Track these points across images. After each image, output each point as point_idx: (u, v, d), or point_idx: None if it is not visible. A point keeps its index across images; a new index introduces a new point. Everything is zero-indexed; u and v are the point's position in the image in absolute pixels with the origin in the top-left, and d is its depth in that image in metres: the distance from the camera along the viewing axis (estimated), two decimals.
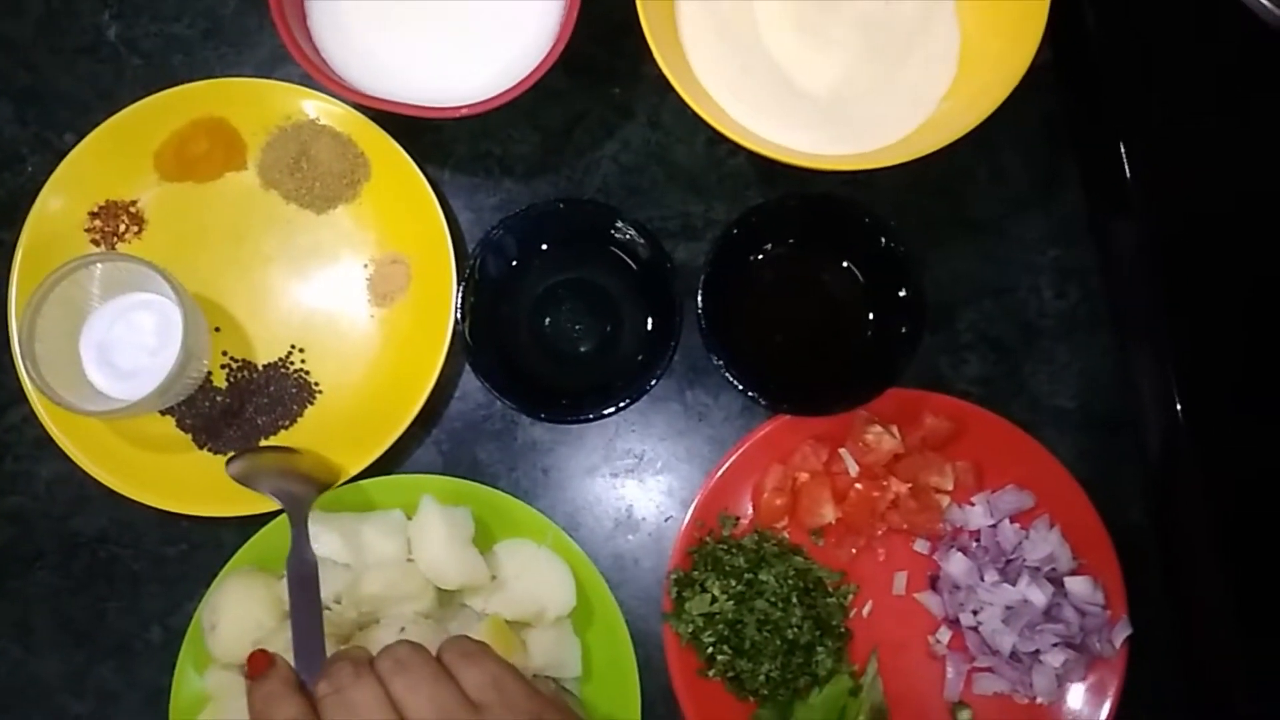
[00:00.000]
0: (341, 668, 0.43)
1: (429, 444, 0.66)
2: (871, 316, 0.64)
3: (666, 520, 0.65)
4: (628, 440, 0.66)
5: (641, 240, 0.61)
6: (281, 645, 0.56)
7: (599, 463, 0.66)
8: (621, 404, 0.60)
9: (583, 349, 0.65)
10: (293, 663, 0.48)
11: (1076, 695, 0.62)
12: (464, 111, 0.59)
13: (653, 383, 0.59)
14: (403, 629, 0.57)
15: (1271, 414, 0.54)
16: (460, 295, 0.60)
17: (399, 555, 0.60)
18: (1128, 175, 0.56)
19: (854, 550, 0.64)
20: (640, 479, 0.66)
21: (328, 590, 0.59)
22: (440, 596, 0.60)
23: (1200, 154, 0.59)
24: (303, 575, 0.53)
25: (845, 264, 0.64)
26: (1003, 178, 0.67)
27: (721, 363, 0.59)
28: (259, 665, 0.45)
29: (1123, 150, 0.57)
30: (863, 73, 0.63)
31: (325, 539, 0.60)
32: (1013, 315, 0.66)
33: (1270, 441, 0.54)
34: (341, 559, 0.60)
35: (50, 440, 0.62)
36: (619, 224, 0.61)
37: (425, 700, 0.42)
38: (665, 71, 0.58)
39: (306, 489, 0.59)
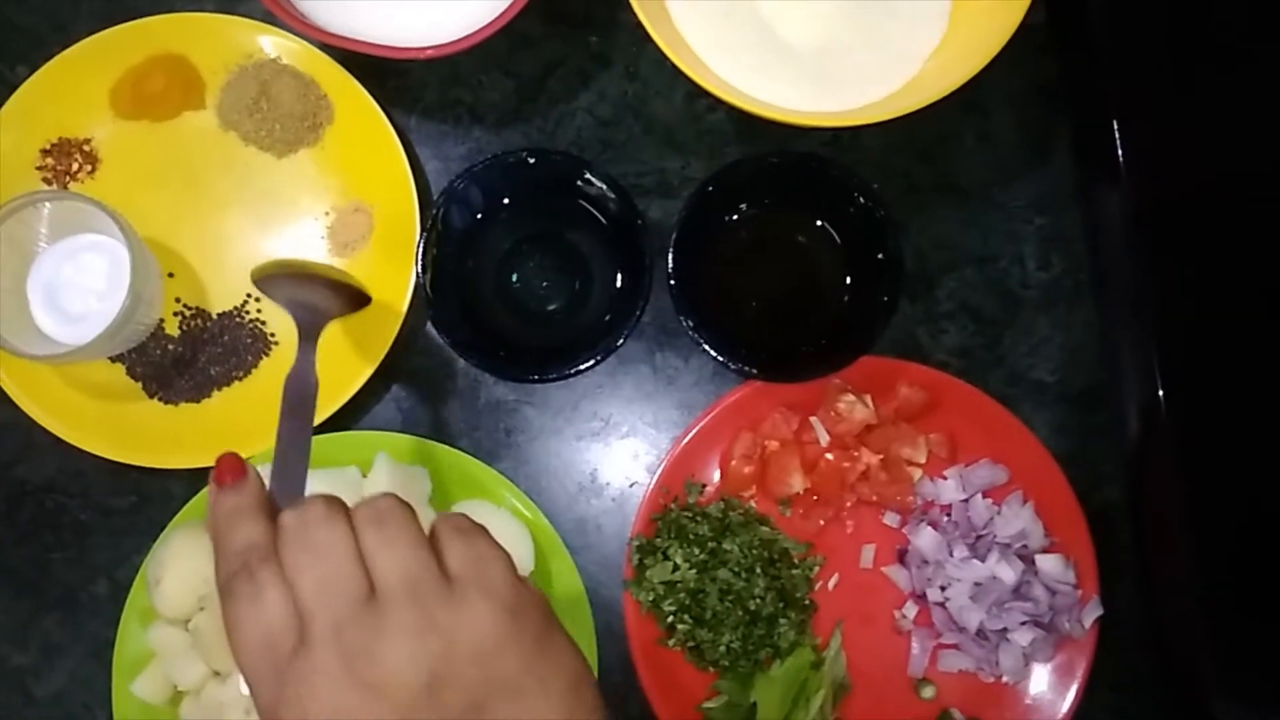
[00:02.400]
0: (314, 503, 0.38)
1: (389, 400, 0.64)
2: (849, 281, 0.62)
3: (631, 486, 0.63)
4: (594, 402, 0.64)
5: (612, 195, 0.59)
6: None
7: (564, 425, 0.64)
8: (587, 364, 0.58)
9: (550, 306, 0.62)
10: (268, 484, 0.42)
11: (1043, 675, 0.60)
12: (430, 53, 0.56)
13: (619, 343, 0.57)
14: None
15: (1251, 395, 0.52)
16: (422, 247, 0.58)
17: None
18: (1118, 144, 0.54)
19: (822, 522, 0.62)
20: (606, 442, 0.64)
21: None
22: None
23: (1194, 126, 0.57)
24: (302, 394, 0.48)
25: (823, 226, 0.62)
26: (990, 142, 0.65)
27: (691, 324, 0.57)
28: (229, 472, 0.40)
29: (1114, 119, 0.54)
30: (849, 25, 0.61)
31: None
32: (994, 285, 0.64)
33: (1247, 423, 0.52)
34: None
35: None
36: (588, 176, 0.58)
37: (396, 559, 0.37)
38: (643, 20, 0.55)
39: (327, 305, 0.55)
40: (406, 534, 0.38)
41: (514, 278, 0.62)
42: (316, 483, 0.58)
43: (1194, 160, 0.56)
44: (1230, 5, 0.57)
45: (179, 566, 0.57)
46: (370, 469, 0.59)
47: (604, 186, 0.59)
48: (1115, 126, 0.54)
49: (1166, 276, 0.54)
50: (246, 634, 0.36)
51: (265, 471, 0.43)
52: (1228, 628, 0.52)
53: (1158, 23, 0.58)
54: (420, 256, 0.58)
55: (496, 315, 0.62)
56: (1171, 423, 0.53)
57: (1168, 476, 0.54)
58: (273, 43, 0.62)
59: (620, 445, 0.64)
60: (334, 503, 0.39)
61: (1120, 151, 0.54)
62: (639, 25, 0.55)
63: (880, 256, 0.59)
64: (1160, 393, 0.53)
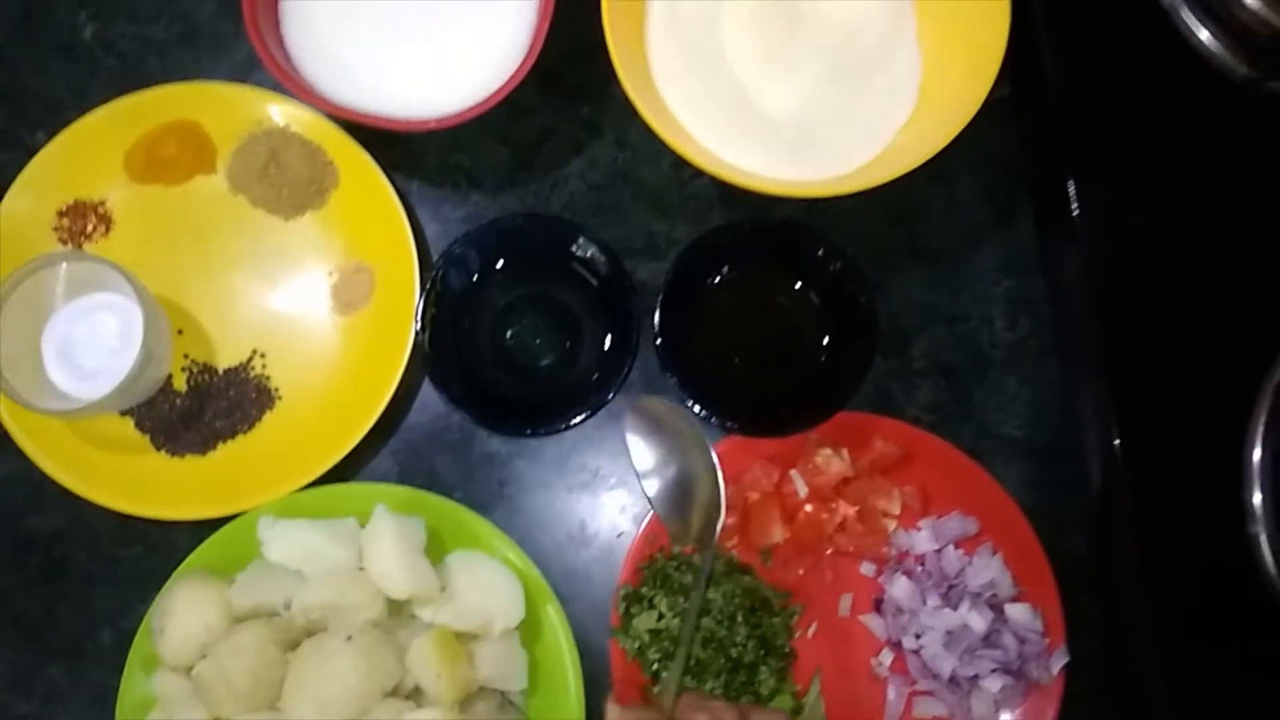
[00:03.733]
0: (727, 711, 0.43)
1: (386, 453, 0.66)
2: (826, 341, 0.65)
3: (619, 536, 0.66)
4: (583, 455, 0.67)
5: (603, 258, 0.62)
6: (226, 651, 0.57)
7: (554, 477, 0.66)
8: (577, 419, 0.61)
9: (542, 363, 0.65)
10: None
11: None
12: (432, 125, 0.60)
13: (608, 399, 0.60)
14: (349, 637, 0.57)
15: (1203, 448, 0.55)
16: (421, 306, 0.61)
17: (350, 563, 0.60)
18: (1074, 208, 0.58)
19: (801, 571, 0.65)
20: (594, 494, 0.66)
21: (279, 596, 0.59)
22: (390, 606, 0.61)
23: (1146, 191, 0.61)
24: None
25: (802, 288, 0.65)
26: (958, 208, 0.68)
27: (675, 381, 0.60)
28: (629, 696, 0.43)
29: (1070, 185, 0.58)
30: (825, 100, 0.65)
31: (278, 545, 0.60)
32: (965, 344, 0.67)
33: (1200, 474, 0.55)
34: (294, 565, 0.60)
35: (8, 438, 0.63)
36: (580, 240, 0.62)
37: None
38: (630, 94, 0.59)
39: None
40: None
41: (508, 335, 0.65)
42: (316, 533, 0.60)
43: (1148, 223, 0.60)
44: (1182, 75, 0.61)
45: (183, 615, 0.59)
46: (368, 520, 0.61)
47: (596, 250, 0.62)
48: (1072, 191, 0.58)
49: (1123, 335, 0.58)
50: None
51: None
52: (1180, 676, 0.55)
53: (1113, 92, 0.62)
54: (420, 316, 0.61)
55: (491, 372, 0.65)
56: (1130, 475, 0.57)
57: (1127, 527, 0.57)
58: (282, 111, 0.66)
59: (609, 497, 0.66)
60: (741, 708, 0.42)
61: (1077, 216, 0.58)
62: (628, 98, 0.59)
63: (855, 317, 0.62)
64: (1118, 446, 0.56)
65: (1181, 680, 0.56)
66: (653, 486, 0.50)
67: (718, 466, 0.47)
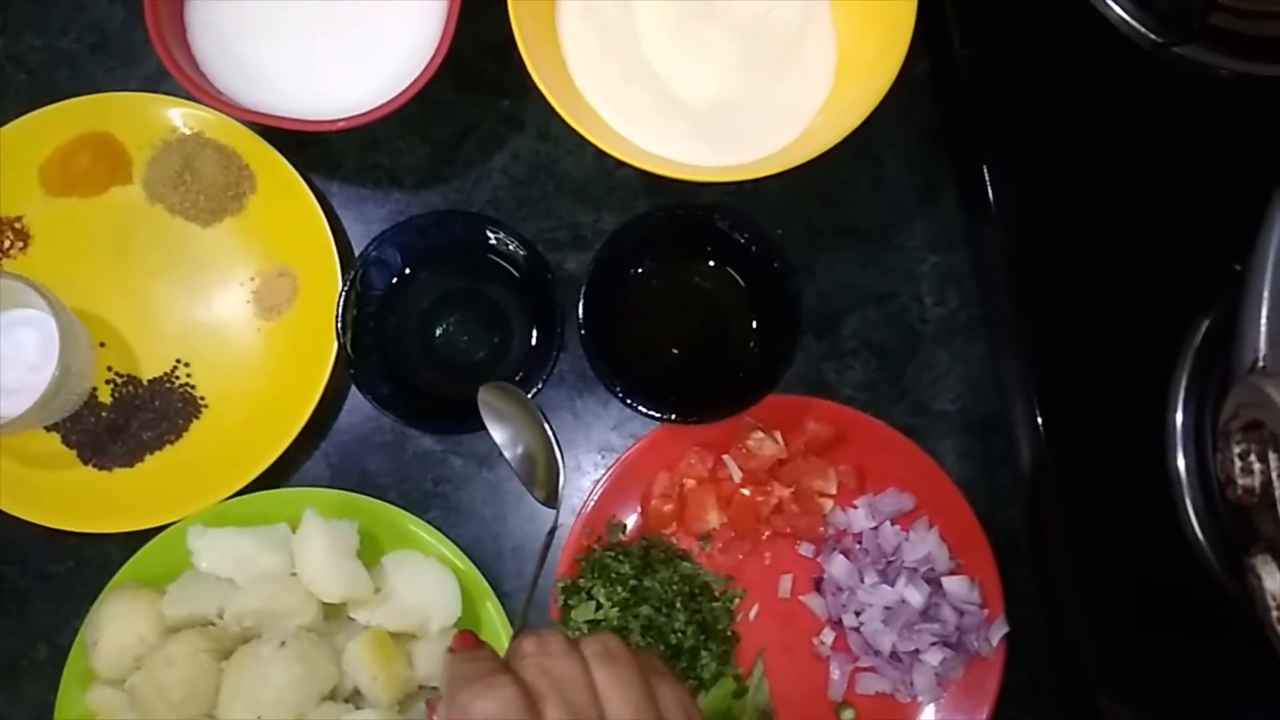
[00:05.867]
0: (553, 636, 0.40)
1: (318, 457, 0.66)
2: (754, 325, 0.65)
3: (558, 528, 0.66)
4: None
5: (522, 250, 0.62)
6: (160, 661, 0.57)
7: (490, 473, 0.66)
8: None
9: (473, 359, 0.65)
10: None
11: (956, 694, 0.63)
12: (340, 124, 0.59)
13: (532, 395, 0.60)
14: (283, 643, 0.57)
15: (1127, 418, 0.56)
16: (341, 308, 0.60)
17: (283, 569, 0.60)
18: (989, 187, 0.58)
19: (740, 555, 0.65)
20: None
21: (211, 605, 0.59)
22: (326, 610, 0.60)
23: (1061, 164, 0.60)
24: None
25: (728, 272, 0.65)
26: (884, 187, 0.68)
27: (600, 371, 0.60)
28: (464, 642, 0.42)
29: (984, 164, 0.58)
30: (742, 83, 0.64)
31: (209, 554, 0.60)
32: (895, 321, 0.67)
33: (1125, 445, 0.55)
34: (225, 573, 0.60)
35: None
36: (494, 231, 0.61)
37: (628, 702, 0.38)
38: (542, 89, 0.59)
39: None
40: (635, 676, 0.39)
41: (437, 333, 0.65)
42: (247, 540, 0.60)
43: (1063, 196, 0.60)
44: (1093, 46, 0.61)
45: (116, 628, 0.59)
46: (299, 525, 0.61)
47: (515, 242, 0.62)
48: (985, 171, 0.58)
49: (1040, 311, 0.58)
50: None
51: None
52: (1110, 643, 0.55)
53: (1023, 65, 0.62)
54: (340, 318, 0.60)
55: (420, 371, 0.65)
56: (1052, 446, 0.57)
57: (1053, 499, 0.57)
58: (194, 118, 0.65)
59: None
60: (568, 638, 0.40)
61: (991, 195, 0.58)
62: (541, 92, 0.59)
63: (781, 299, 0.62)
64: (1039, 417, 0.57)
65: (1113, 648, 0.56)
66: (512, 457, 0.60)
67: (552, 437, 0.60)
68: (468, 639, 0.42)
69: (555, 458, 0.60)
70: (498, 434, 0.59)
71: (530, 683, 0.38)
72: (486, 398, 0.59)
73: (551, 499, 0.60)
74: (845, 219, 0.68)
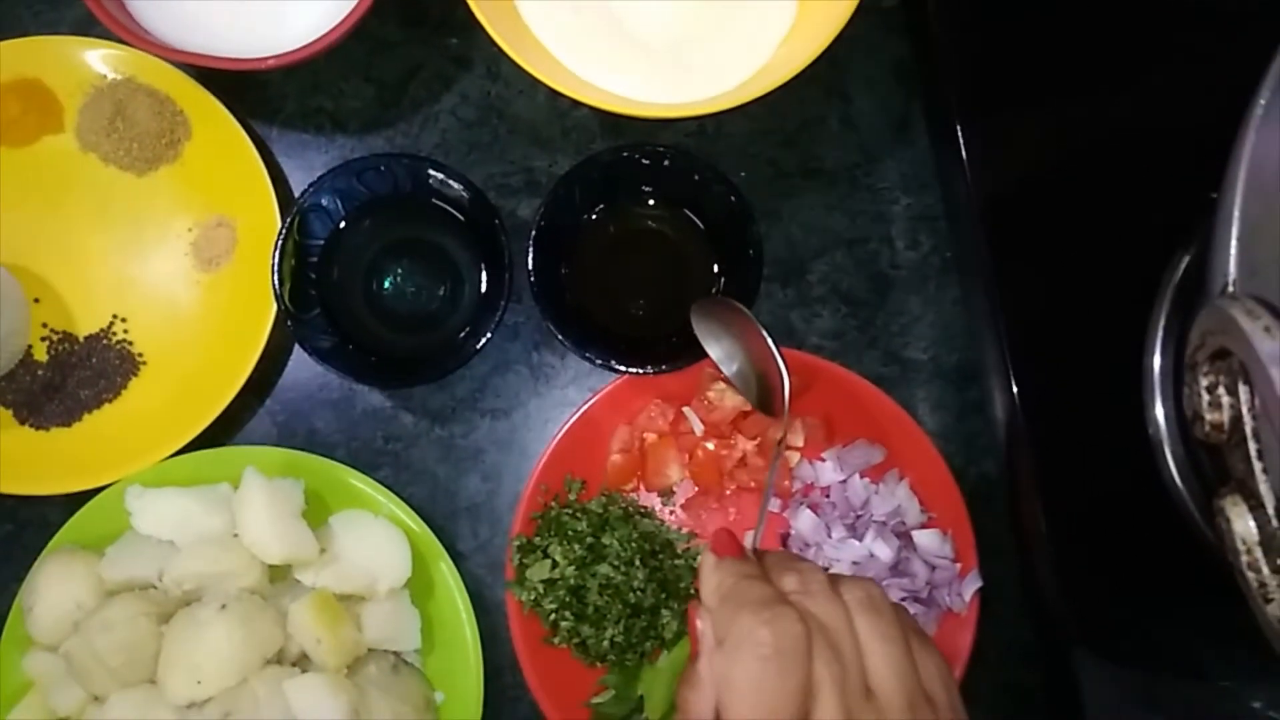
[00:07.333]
0: (813, 571, 0.38)
1: (263, 415, 0.63)
2: (715, 269, 0.62)
3: (514, 486, 0.63)
4: (473, 405, 0.64)
5: (467, 195, 0.59)
6: (97, 626, 0.55)
7: (442, 429, 0.64)
8: (451, 368, 0.58)
9: (421, 311, 0.62)
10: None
11: None
12: (271, 63, 0.56)
13: (479, 346, 0.57)
14: (224, 606, 0.55)
15: (1102, 362, 0.53)
16: (278, 259, 0.57)
17: (224, 530, 0.58)
18: (959, 131, 0.55)
19: (703, 512, 0.62)
20: (487, 445, 0.64)
21: (150, 568, 0.57)
22: (272, 572, 0.58)
23: (1031, 114, 0.57)
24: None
25: (688, 217, 0.62)
26: (853, 125, 0.65)
27: (550, 320, 0.57)
28: (727, 547, 0.40)
29: (954, 107, 0.55)
30: (699, 17, 0.61)
31: (147, 515, 0.58)
32: (865, 266, 0.64)
33: (1100, 391, 0.53)
34: (165, 535, 0.58)
35: None
36: (434, 174, 0.58)
37: (891, 661, 0.36)
38: (485, 25, 0.55)
39: None
40: (898, 633, 0.37)
41: (386, 284, 0.62)
42: (187, 501, 0.58)
43: (1032, 147, 0.56)
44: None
45: (52, 592, 0.57)
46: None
47: (458, 186, 0.59)
48: (955, 114, 0.54)
49: (1010, 257, 0.55)
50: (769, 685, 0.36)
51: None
52: (1088, 591, 0.53)
53: (994, 14, 0.58)
54: (276, 268, 0.57)
55: (366, 323, 0.62)
56: (1022, 395, 0.54)
57: (1024, 449, 0.55)
58: (125, 61, 0.62)
59: (502, 446, 0.64)
60: (827, 574, 0.38)
61: (961, 138, 0.54)
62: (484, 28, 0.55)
63: (742, 242, 0.59)
64: (1010, 366, 0.54)
65: (1089, 602, 0.54)
66: (731, 373, 0.56)
67: (773, 346, 0.53)
68: (732, 543, 0.40)
69: (779, 368, 0.52)
70: (713, 350, 0.56)
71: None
72: (699, 315, 0.56)
73: (776, 412, 0.53)
74: (812, 160, 0.65)
